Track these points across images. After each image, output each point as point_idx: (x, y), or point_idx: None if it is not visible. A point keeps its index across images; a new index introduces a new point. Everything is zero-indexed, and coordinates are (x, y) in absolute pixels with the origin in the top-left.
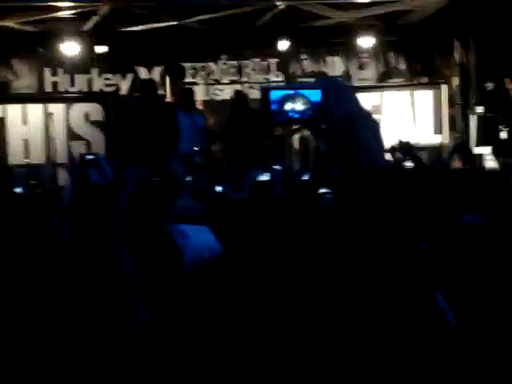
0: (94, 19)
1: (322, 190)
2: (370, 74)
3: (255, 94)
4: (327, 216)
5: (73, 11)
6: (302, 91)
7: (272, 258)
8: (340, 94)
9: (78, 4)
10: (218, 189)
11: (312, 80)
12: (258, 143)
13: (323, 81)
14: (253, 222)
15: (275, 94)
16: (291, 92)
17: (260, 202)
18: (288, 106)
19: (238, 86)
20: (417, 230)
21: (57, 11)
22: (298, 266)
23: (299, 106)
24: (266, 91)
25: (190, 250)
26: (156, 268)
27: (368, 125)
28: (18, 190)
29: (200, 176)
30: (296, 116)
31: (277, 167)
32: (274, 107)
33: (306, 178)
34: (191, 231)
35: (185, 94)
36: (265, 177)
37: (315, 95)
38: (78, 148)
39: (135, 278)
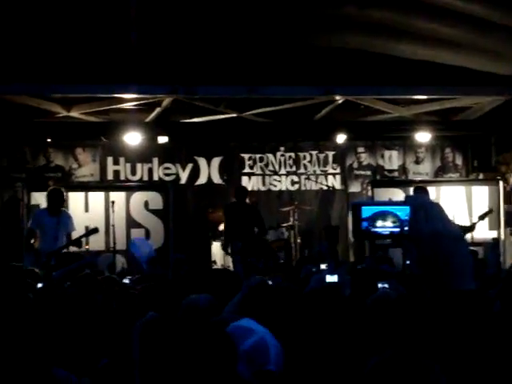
0: (157, 111)
1: (381, 285)
2: (426, 168)
3: (312, 185)
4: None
5: (136, 102)
6: (391, 209)
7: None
8: (428, 212)
9: (141, 96)
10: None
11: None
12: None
13: (412, 199)
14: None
15: (366, 212)
16: (381, 209)
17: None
18: (379, 224)
19: (295, 177)
20: None
21: (121, 103)
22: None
23: (389, 223)
24: (357, 208)
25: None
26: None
27: (458, 245)
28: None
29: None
30: (386, 233)
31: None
32: (364, 225)
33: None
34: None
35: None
36: (334, 278)
37: (405, 213)
38: (138, 235)
39: None
